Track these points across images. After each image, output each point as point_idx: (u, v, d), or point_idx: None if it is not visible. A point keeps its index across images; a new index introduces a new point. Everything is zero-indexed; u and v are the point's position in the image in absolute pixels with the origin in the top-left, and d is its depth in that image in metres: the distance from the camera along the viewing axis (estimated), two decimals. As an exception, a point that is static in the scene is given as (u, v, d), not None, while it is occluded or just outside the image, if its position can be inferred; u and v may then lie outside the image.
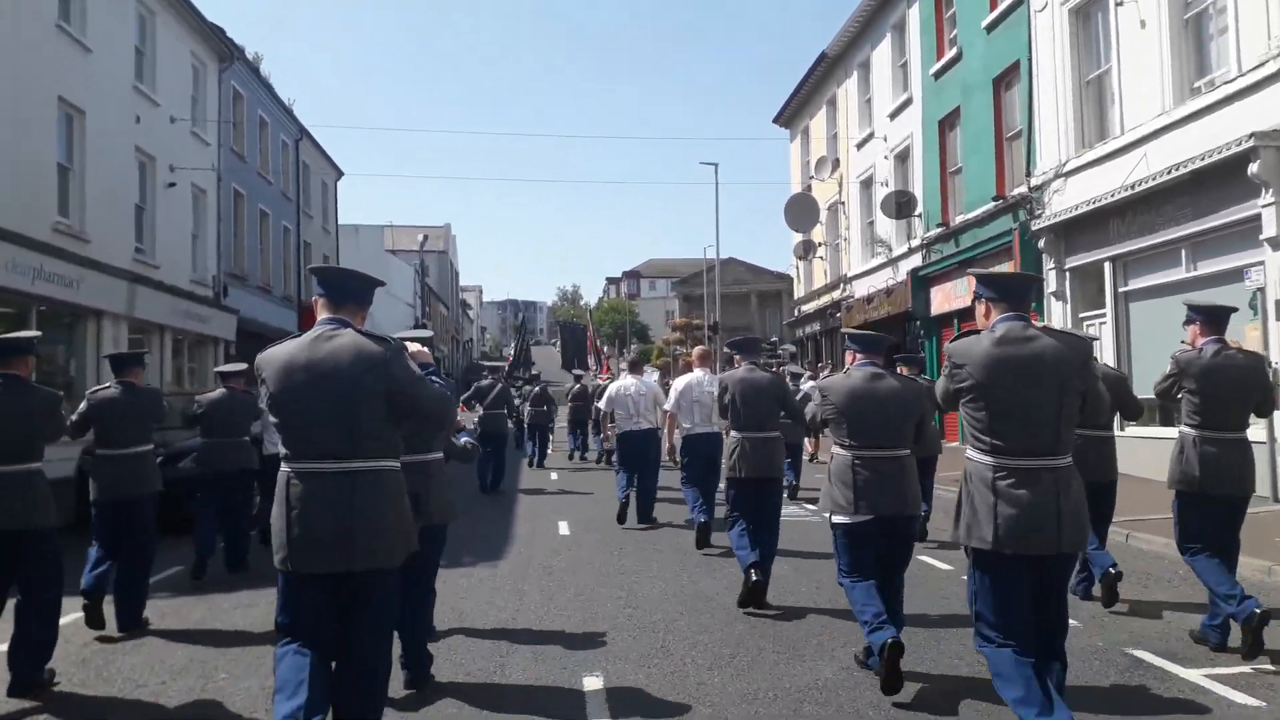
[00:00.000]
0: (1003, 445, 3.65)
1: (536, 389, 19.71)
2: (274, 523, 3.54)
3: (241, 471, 8.70)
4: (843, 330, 8.05)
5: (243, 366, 9.12)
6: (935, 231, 20.49)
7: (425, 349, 4.68)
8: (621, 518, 10.57)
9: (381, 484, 3.53)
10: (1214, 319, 5.54)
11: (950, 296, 20.00)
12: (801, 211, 28.41)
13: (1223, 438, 5.34)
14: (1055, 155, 15.42)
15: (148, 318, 18.89)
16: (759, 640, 5.89)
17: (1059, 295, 15.48)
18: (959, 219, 19.53)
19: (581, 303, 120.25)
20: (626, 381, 10.45)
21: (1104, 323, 14.40)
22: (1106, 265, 14.29)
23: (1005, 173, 17.72)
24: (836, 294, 27.85)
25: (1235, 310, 5.97)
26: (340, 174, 37.32)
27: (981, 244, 18.08)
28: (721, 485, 8.11)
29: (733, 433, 6.96)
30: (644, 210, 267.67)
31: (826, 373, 13.65)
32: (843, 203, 27.34)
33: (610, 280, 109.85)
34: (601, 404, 10.50)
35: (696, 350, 9.77)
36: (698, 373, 8.96)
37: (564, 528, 10.69)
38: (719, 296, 38.69)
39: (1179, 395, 5.50)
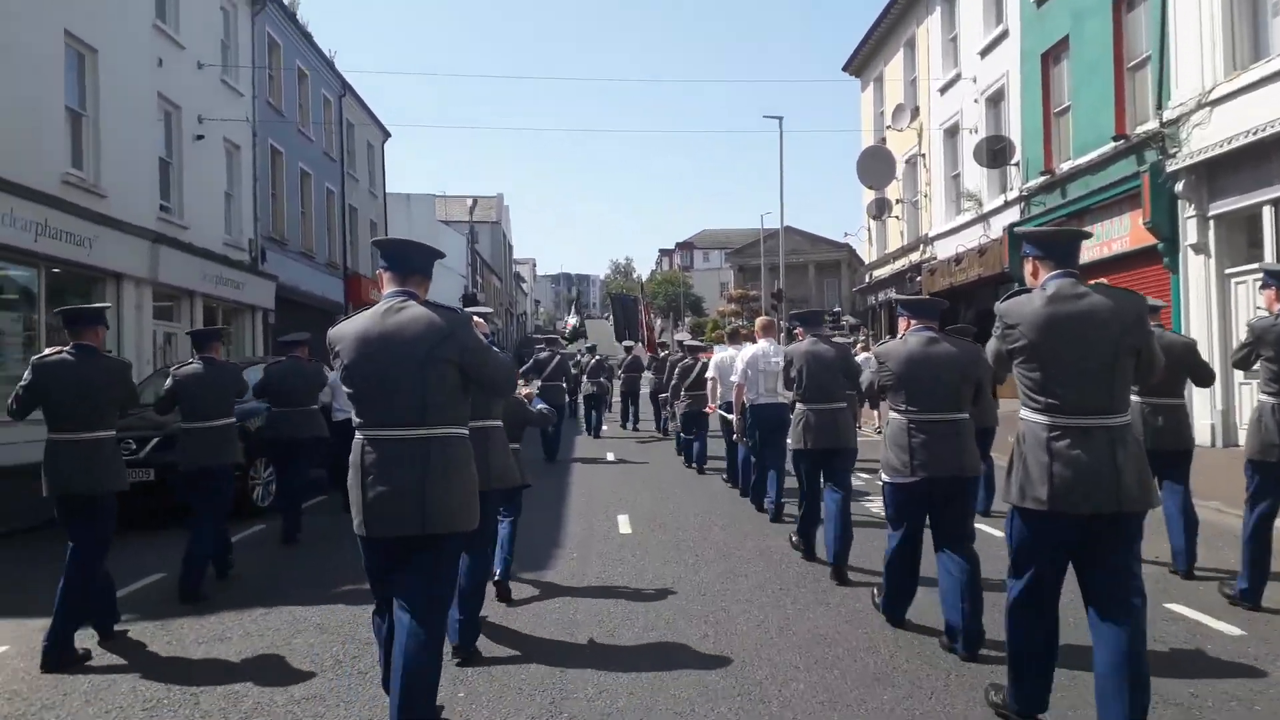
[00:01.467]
0: (1057, 404, 3.58)
1: (593, 361, 19.57)
2: (350, 490, 3.65)
3: (313, 439, 8.87)
4: (894, 297, 7.35)
5: (305, 336, 9.40)
6: (1037, 181, 18.26)
7: (484, 321, 4.56)
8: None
9: (453, 450, 3.64)
10: None
11: (1055, 253, 17.80)
12: (876, 166, 26.23)
13: None
14: (1196, 82, 13.16)
15: (174, 282, 17.53)
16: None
17: (1200, 248, 13.29)
18: (1066, 165, 17.29)
19: (634, 275, 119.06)
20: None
21: (1258, 279, 12.20)
22: (1267, 210, 12.07)
23: (1127, 108, 15.45)
24: (915, 256, 25.67)
25: None
26: (387, 134, 35.83)
27: (1097, 192, 15.86)
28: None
29: (799, 405, 6.97)
30: (698, 179, 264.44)
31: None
32: (923, 155, 25.09)
33: (663, 252, 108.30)
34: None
35: (760, 321, 9.66)
36: (762, 343, 8.96)
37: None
38: (781, 266, 36.64)
39: (1256, 363, 5.37)
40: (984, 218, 20.93)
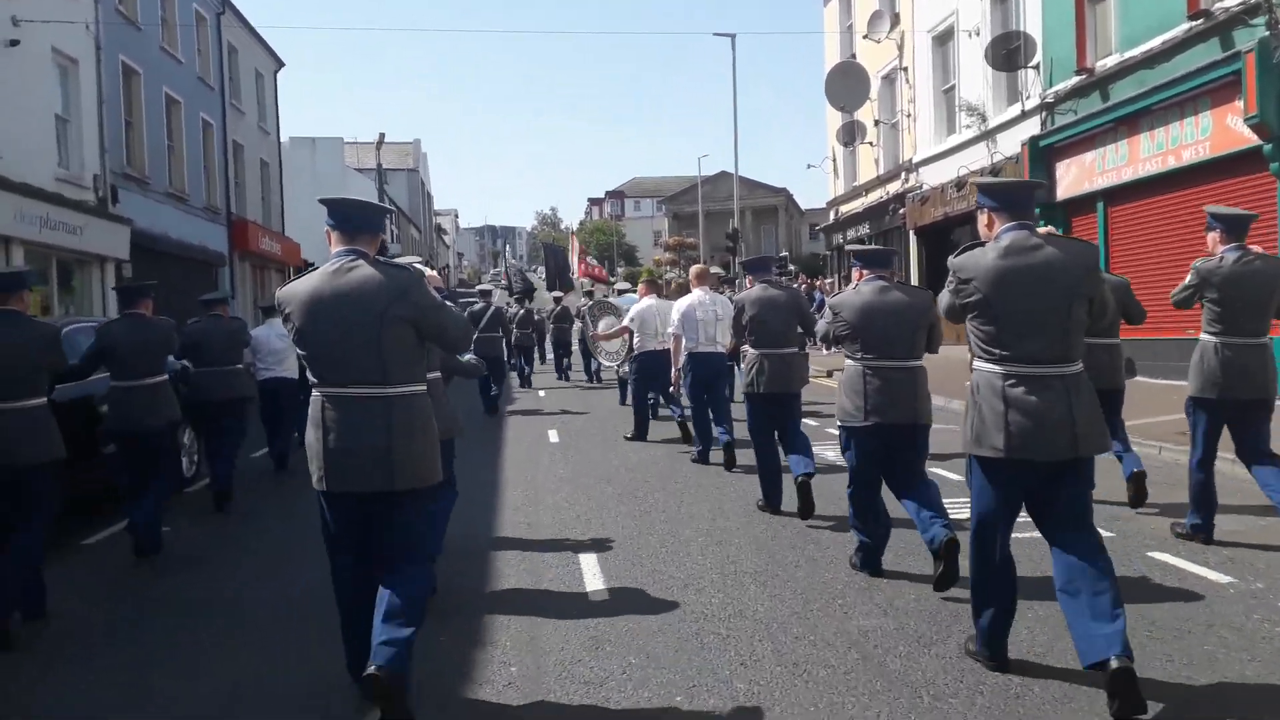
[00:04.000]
0: (1010, 354, 3.60)
1: (521, 311, 19.59)
2: (309, 444, 3.64)
3: (238, 399, 8.52)
4: (847, 248, 8.93)
5: (224, 294, 9.48)
6: (1067, 83, 14.99)
7: (436, 274, 4.49)
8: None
9: (414, 407, 3.64)
10: (1235, 226, 5.50)
11: (1091, 171, 14.62)
12: (847, 84, 22.86)
13: (1244, 343, 5.37)
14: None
15: (-25, 225, 13.36)
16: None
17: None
18: (1110, 61, 14.04)
19: (562, 226, 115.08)
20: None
21: None
22: None
23: (1201, -20, 12.19)
24: (896, 185, 22.40)
25: (1257, 218, 6.05)
26: (280, 64, 31.20)
27: (1160, 89, 12.65)
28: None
29: (750, 350, 6.95)
30: (630, 124, 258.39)
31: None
32: (904, 68, 21.73)
33: (592, 201, 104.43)
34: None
35: (694, 269, 9.63)
36: (697, 292, 8.84)
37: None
38: (735, 200, 33.20)
39: (1200, 303, 5.49)
40: (989, 134, 17.68)
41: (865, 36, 22.20)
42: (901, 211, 21.53)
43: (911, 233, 21.20)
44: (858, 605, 4.77)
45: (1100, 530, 3.73)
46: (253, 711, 3.91)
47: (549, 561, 5.83)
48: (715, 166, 77.54)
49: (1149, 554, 5.47)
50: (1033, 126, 16.05)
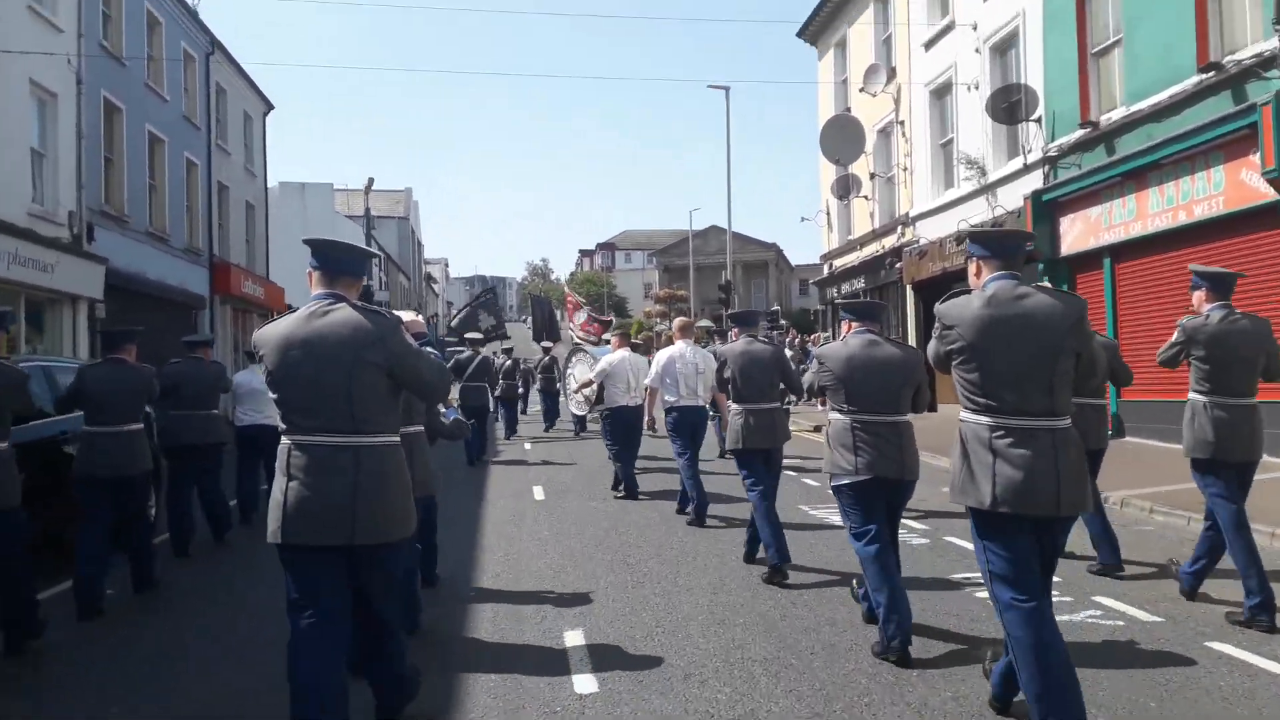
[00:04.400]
0: (997, 406, 3.56)
1: (508, 363, 19.24)
2: (274, 494, 3.52)
3: (213, 445, 8.38)
4: (837, 300, 7.87)
5: (208, 337, 10.37)
6: (1071, 137, 14.68)
7: (419, 319, 4.45)
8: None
9: (384, 458, 3.52)
10: (1220, 284, 5.50)
11: (1097, 226, 14.23)
12: (842, 137, 22.57)
13: (1234, 403, 5.32)
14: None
15: (-65, 260, 12.75)
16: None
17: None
18: (1115, 115, 13.74)
19: (553, 277, 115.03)
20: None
21: None
22: None
23: (1212, 31, 11.90)
24: (892, 239, 22.04)
25: (1243, 276, 6.08)
26: (270, 106, 30.88)
27: (1168, 142, 12.31)
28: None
29: (734, 405, 6.91)
30: (621, 177, 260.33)
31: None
32: (900, 122, 21.50)
33: (583, 253, 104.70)
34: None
35: (678, 322, 9.60)
36: (679, 345, 8.90)
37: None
38: (729, 247, 32.87)
39: (1187, 362, 5.48)
40: (989, 188, 17.35)
41: (861, 89, 21.99)
42: (898, 266, 21.13)
43: (909, 287, 20.79)
44: (885, 706, 4.13)
45: (1154, 617, 3.95)
46: None
47: (529, 644, 5.17)
48: (706, 220, 77.83)
49: (1206, 644, 4.91)
50: (1035, 180, 15.70)
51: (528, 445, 16.62)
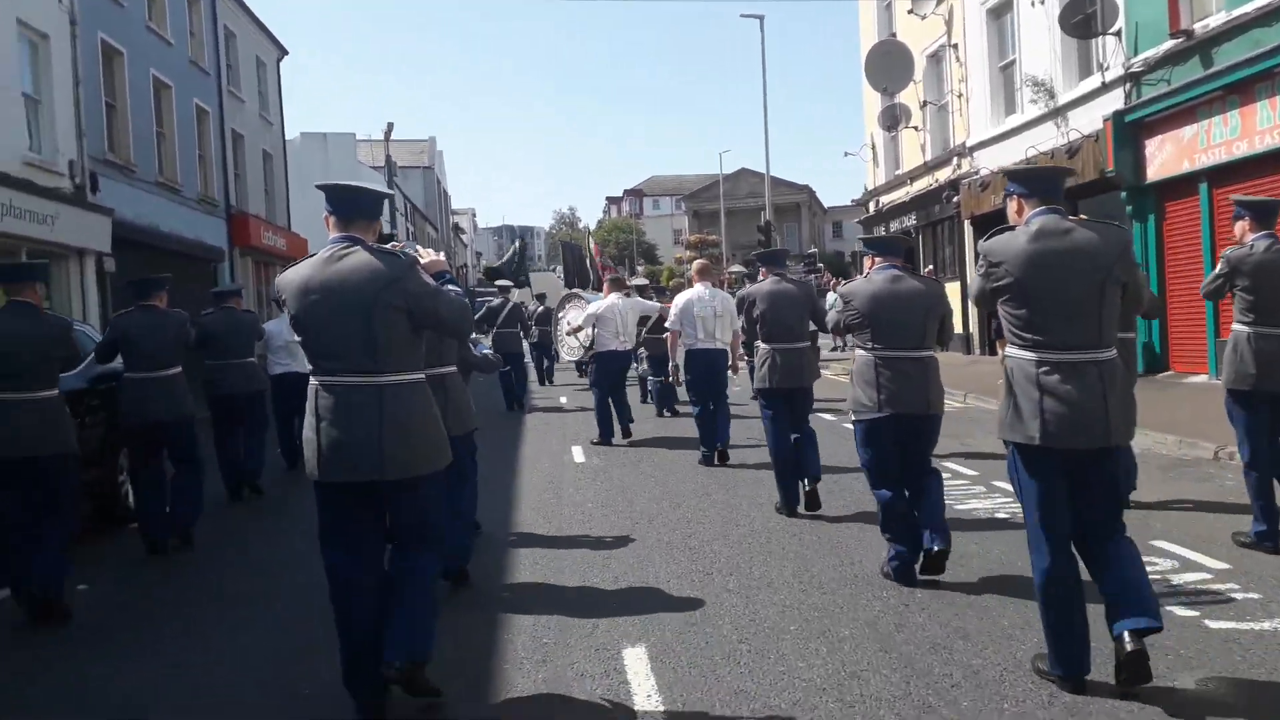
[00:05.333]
0: (1044, 340, 3.54)
1: (541, 309, 18.79)
2: (305, 434, 3.58)
3: (255, 393, 8.51)
4: (859, 237, 7.97)
5: (236, 287, 10.43)
6: (1158, 49, 13.14)
7: (440, 257, 4.10)
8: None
9: (409, 396, 3.55)
10: (1264, 213, 5.44)
11: (1191, 147, 12.76)
12: (889, 64, 21.11)
13: (1277, 333, 5.23)
14: None
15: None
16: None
17: None
18: (1209, 22, 12.21)
19: (580, 225, 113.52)
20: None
21: None
22: None
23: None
24: (946, 172, 20.55)
25: None
26: (283, 52, 29.63)
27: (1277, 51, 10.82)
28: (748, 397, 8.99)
29: (761, 345, 6.84)
30: (647, 121, 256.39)
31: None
32: (954, 45, 19.88)
33: (610, 200, 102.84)
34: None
35: (696, 264, 9.44)
36: (698, 288, 8.82)
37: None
38: (767, 188, 31.42)
39: (1232, 293, 5.40)
40: (1059, 111, 15.83)
41: (910, 12, 20.36)
42: (955, 199, 19.67)
43: (967, 222, 19.35)
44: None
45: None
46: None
47: (579, 657, 4.14)
48: (735, 163, 75.84)
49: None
50: (1115, 100, 14.18)
51: (564, 399, 15.68)
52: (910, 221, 22.45)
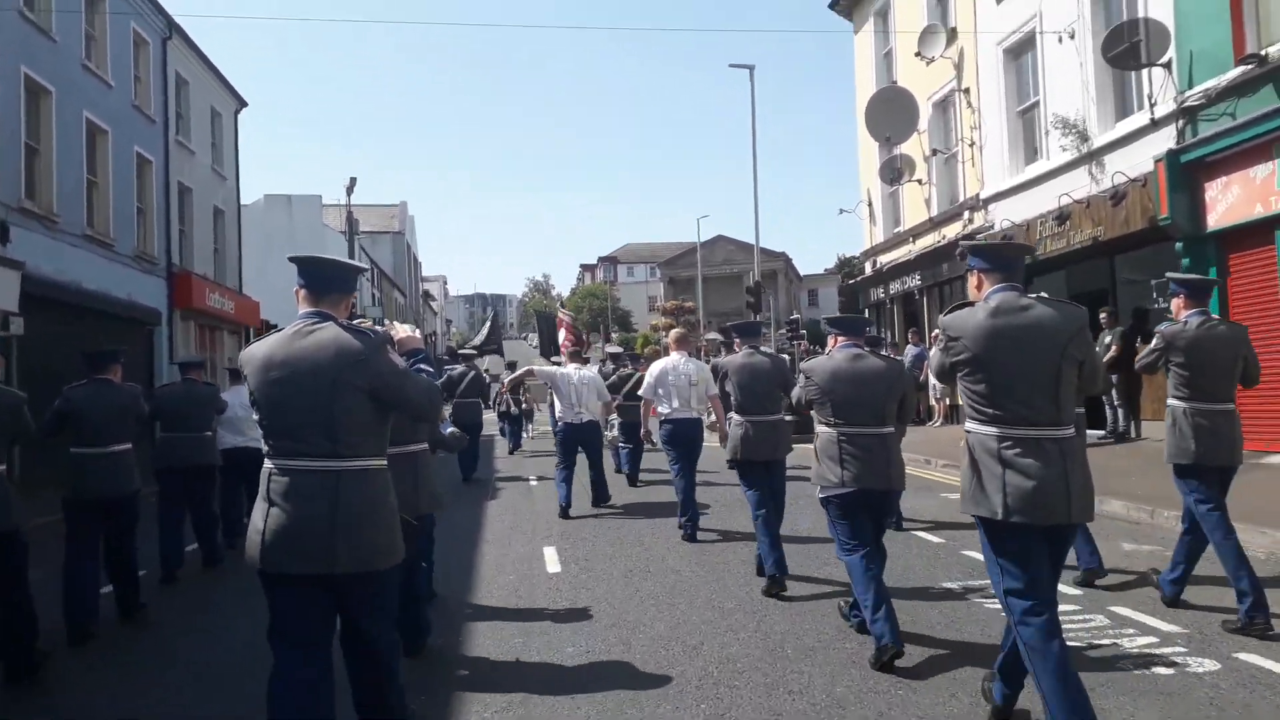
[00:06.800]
0: (1003, 415, 3.58)
1: (512, 377, 17.13)
2: (253, 518, 3.37)
3: (204, 467, 8.31)
4: (824, 318, 5.88)
5: (199, 359, 9.56)
6: (1223, 78, 11.59)
7: (415, 333, 3.99)
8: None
9: (366, 483, 3.32)
10: (1198, 291, 5.62)
11: (1264, 190, 11.12)
12: (890, 113, 19.62)
13: (1213, 409, 5.39)
14: None
15: None
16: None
17: None
18: (1284, 45, 10.68)
19: (554, 293, 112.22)
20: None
21: None
22: None
23: None
24: (956, 227, 18.95)
25: (1217, 283, 6.45)
26: (242, 104, 27.80)
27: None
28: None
29: (734, 416, 6.93)
30: (624, 189, 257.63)
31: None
32: (964, 90, 18.44)
33: (585, 267, 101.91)
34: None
35: (673, 334, 9.54)
36: (674, 356, 8.92)
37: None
38: (756, 249, 29.83)
39: (1166, 369, 5.54)
40: (1093, 155, 14.27)
41: (916, 55, 18.94)
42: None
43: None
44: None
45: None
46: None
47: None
48: (711, 230, 74.85)
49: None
50: (1165, 139, 12.59)
51: (533, 481, 13.69)
52: (915, 282, 20.78)
